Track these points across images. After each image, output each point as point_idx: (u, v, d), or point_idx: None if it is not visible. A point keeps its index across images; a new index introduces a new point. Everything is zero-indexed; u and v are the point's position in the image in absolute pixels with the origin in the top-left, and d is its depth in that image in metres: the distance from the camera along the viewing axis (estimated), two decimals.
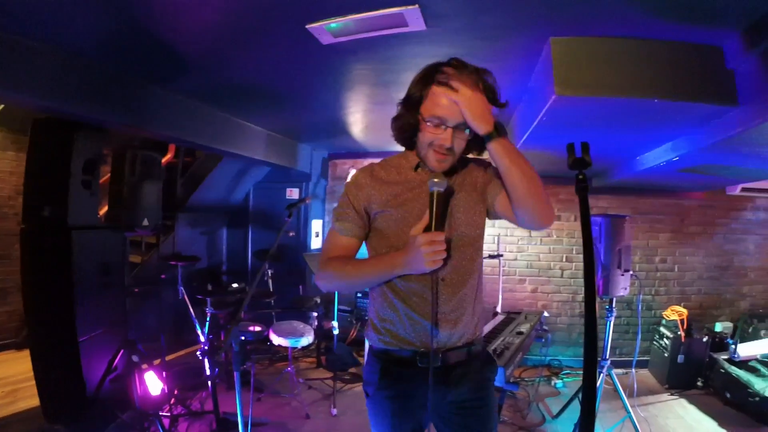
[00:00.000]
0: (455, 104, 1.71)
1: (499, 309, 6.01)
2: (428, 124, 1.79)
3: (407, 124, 1.87)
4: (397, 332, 1.92)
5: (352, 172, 7.23)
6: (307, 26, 2.82)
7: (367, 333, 2.06)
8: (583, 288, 4.52)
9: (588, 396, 1.17)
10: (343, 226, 1.97)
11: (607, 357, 4.35)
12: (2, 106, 5.82)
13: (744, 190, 6.23)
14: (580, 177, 1.49)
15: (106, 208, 4.26)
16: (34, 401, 4.24)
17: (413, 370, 1.90)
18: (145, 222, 4.18)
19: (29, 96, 3.22)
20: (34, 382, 4.06)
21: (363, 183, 1.97)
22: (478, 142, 1.86)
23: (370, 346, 2.06)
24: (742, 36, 2.80)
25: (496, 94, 1.81)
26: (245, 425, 2.82)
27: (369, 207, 1.95)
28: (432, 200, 1.71)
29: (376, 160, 2.08)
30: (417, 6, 2.56)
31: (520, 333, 4.09)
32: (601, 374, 4.25)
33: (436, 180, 1.71)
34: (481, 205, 1.95)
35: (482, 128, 1.70)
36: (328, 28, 2.83)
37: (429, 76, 1.82)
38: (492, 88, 1.81)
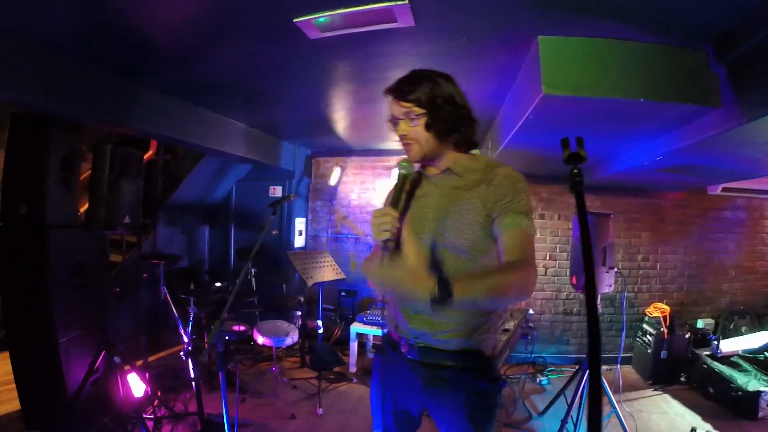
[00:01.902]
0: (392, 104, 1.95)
1: None
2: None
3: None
4: (393, 318, 2.08)
5: (336, 170, 7.27)
6: (294, 20, 2.78)
7: None
8: (566, 285, 4.57)
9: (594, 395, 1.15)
10: None
11: None
12: None
13: (725, 190, 6.32)
14: (575, 171, 1.46)
15: (86, 206, 4.18)
16: (11, 405, 4.18)
17: (396, 352, 2.05)
18: (126, 220, 4.11)
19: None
20: (10, 386, 3.99)
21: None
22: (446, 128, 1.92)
23: None
24: (714, 47, 2.87)
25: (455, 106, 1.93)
26: (231, 426, 2.78)
27: None
28: (398, 181, 1.93)
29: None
30: (407, 2, 2.54)
31: (506, 330, 4.09)
32: (587, 371, 4.25)
33: (403, 164, 1.95)
34: (479, 220, 1.85)
35: (422, 301, 1.64)
36: (316, 23, 2.79)
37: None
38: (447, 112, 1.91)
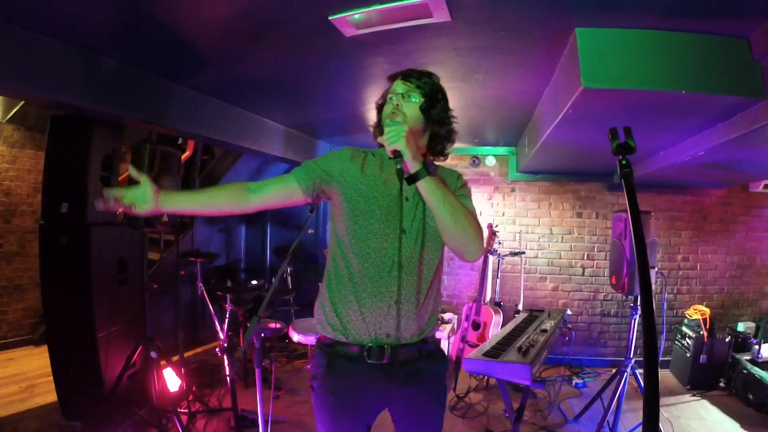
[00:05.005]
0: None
1: (520, 307, 5.98)
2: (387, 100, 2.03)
3: (378, 124, 2.12)
4: (348, 322, 1.94)
5: None
6: (330, 18, 2.78)
7: (316, 322, 2.09)
8: (604, 286, 4.49)
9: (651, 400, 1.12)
10: (296, 172, 2.05)
11: (631, 357, 4.28)
12: (22, 103, 5.84)
13: (767, 187, 6.14)
14: (624, 162, 1.42)
15: None
16: (50, 397, 4.30)
17: (360, 365, 1.92)
18: (165, 218, 4.16)
19: (45, 92, 3.20)
20: (49, 378, 4.10)
21: (345, 156, 2.08)
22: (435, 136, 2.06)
23: (318, 338, 2.10)
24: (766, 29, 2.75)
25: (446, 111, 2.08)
26: (266, 422, 2.79)
27: (338, 179, 2.02)
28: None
29: None
30: None
31: (545, 331, 4.03)
32: (626, 374, 4.18)
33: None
34: None
35: (412, 167, 1.78)
36: (352, 20, 2.78)
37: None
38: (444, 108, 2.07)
